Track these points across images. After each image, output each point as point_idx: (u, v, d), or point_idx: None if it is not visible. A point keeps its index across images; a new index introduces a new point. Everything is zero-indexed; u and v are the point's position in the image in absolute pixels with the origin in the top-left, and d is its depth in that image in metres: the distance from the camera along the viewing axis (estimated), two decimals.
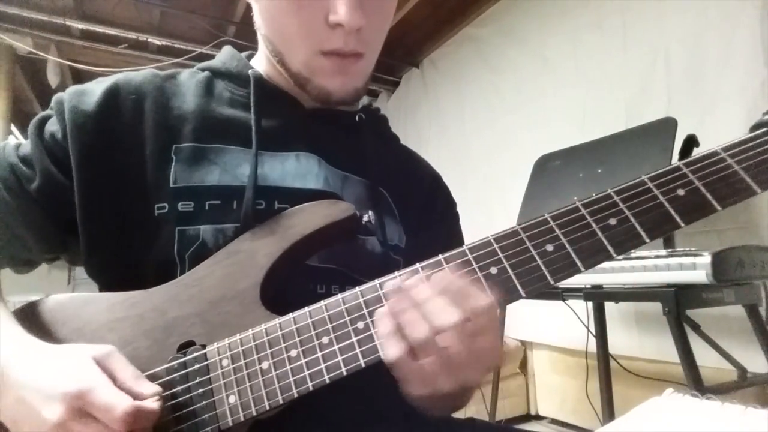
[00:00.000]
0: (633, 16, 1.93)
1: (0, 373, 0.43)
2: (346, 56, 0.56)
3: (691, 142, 1.40)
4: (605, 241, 0.44)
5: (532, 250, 0.45)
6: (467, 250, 0.46)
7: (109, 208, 0.55)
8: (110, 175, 0.55)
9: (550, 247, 0.44)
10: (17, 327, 0.48)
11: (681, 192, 0.44)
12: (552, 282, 0.44)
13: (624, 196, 0.45)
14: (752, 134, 0.46)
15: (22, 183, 0.55)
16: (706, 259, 1.07)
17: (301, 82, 0.59)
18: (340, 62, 0.56)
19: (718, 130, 1.54)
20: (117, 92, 0.58)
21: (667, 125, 1.49)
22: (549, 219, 0.45)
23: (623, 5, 1.96)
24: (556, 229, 0.45)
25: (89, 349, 0.44)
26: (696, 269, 1.08)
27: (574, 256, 0.44)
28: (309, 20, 0.54)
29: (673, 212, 0.44)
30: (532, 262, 0.44)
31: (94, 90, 0.58)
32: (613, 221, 0.44)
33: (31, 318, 0.51)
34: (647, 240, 0.43)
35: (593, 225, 0.44)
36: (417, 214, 0.67)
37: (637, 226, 0.44)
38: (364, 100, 0.70)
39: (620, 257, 1.22)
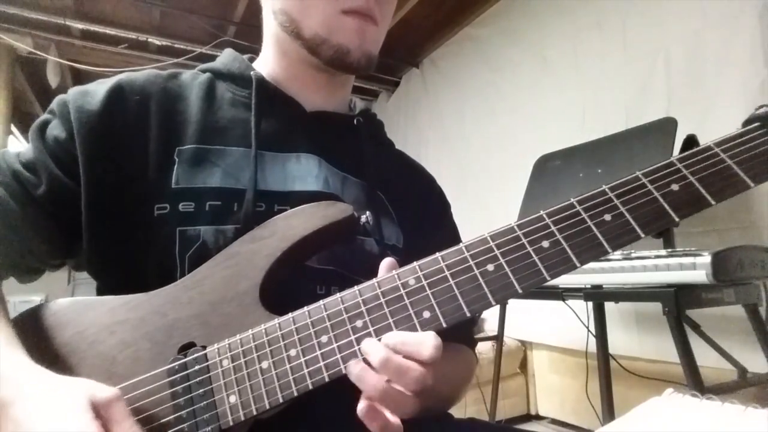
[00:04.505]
0: (633, 16, 1.93)
1: None
2: (366, 16, 0.59)
3: (691, 142, 1.40)
4: (600, 237, 0.44)
5: (527, 246, 0.45)
6: (464, 248, 0.46)
7: (113, 208, 0.55)
8: (114, 175, 0.55)
9: (546, 244, 0.45)
10: (19, 353, 0.46)
11: (675, 187, 0.45)
12: (548, 278, 0.44)
13: (618, 192, 0.45)
14: (744, 129, 0.46)
15: (27, 189, 0.55)
16: (706, 259, 1.07)
17: (316, 46, 0.60)
18: (360, 21, 0.59)
19: (718, 130, 1.52)
20: (121, 92, 0.58)
21: (667, 125, 1.50)
22: (545, 216, 0.46)
23: (623, 5, 1.97)
24: (552, 226, 0.45)
25: (91, 389, 0.41)
26: (696, 269, 1.08)
27: (569, 251, 0.44)
28: None
29: (667, 207, 0.44)
30: (528, 259, 0.44)
31: (98, 90, 0.58)
32: (608, 217, 0.44)
33: (33, 323, 0.50)
34: (642, 235, 0.44)
35: (588, 221, 0.45)
36: (413, 215, 0.68)
37: (632, 221, 0.44)
38: (361, 104, 0.72)
39: (620, 257, 1.22)
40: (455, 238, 0.73)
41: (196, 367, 0.46)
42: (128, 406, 0.44)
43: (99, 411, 0.40)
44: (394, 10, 0.66)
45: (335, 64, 0.60)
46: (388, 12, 0.64)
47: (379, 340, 0.43)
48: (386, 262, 0.48)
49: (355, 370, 0.42)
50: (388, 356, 0.41)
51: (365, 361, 0.43)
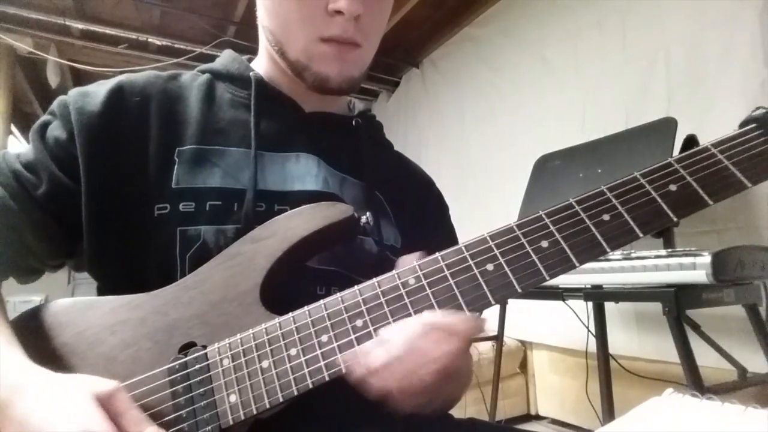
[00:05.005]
0: (633, 16, 1.93)
1: None
2: (344, 43, 0.58)
3: (691, 142, 1.40)
4: (599, 237, 0.44)
5: (527, 246, 0.45)
6: (464, 248, 0.46)
7: (113, 208, 0.55)
8: (115, 175, 0.55)
9: (545, 244, 0.45)
10: (18, 353, 0.46)
11: (673, 187, 0.45)
12: (547, 277, 0.44)
13: (617, 192, 0.46)
14: (741, 130, 0.47)
15: (27, 190, 0.55)
16: (706, 259, 1.07)
17: (299, 71, 0.60)
18: (339, 48, 0.58)
19: (718, 131, 1.52)
20: (121, 93, 0.59)
21: (667, 125, 1.50)
22: (543, 216, 0.46)
23: (623, 5, 1.96)
24: (551, 226, 0.45)
25: (92, 384, 0.42)
26: (696, 269, 1.08)
27: (568, 251, 0.44)
28: (310, 8, 0.56)
29: (665, 207, 0.44)
30: (527, 258, 0.45)
31: (98, 91, 0.58)
32: (606, 217, 0.45)
33: (33, 323, 0.51)
34: (641, 234, 0.44)
35: (587, 221, 0.45)
36: (411, 217, 0.68)
37: (630, 221, 0.44)
38: (360, 105, 0.72)
39: (620, 257, 1.22)
40: (453, 241, 0.73)
41: (197, 367, 0.46)
42: None
43: (103, 404, 0.41)
44: (383, 26, 0.64)
45: (316, 89, 0.61)
46: (374, 30, 0.62)
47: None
48: (413, 256, 0.49)
49: (377, 358, 0.42)
50: (432, 323, 0.42)
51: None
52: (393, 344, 0.43)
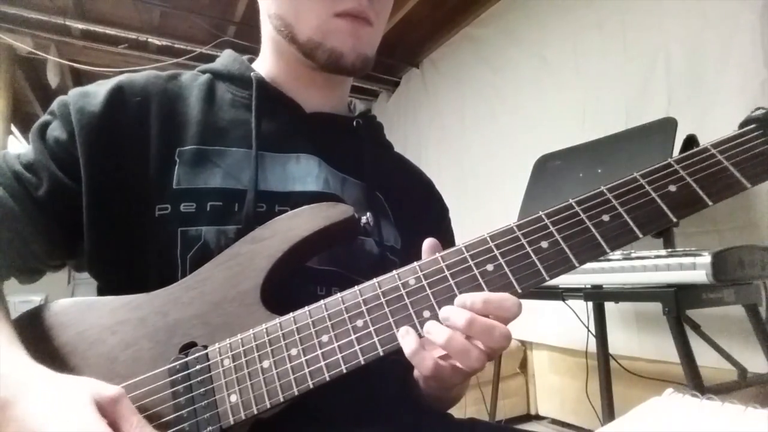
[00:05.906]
0: (633, 16, 1.93)
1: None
2: (359, 18, 0.58)
3: (691, 142, 1.40)
4: (599, 237, 0.45)
5: (527, 246, 0.45)
6: (463, 248, 0.47)
7: (114, 208, 0.55)
8: (115, 175, 0.55)
9: (544, 244, 0.45)
10: (21, 353, 0.46)
11: (672, 188, 0.45)
12: (547, 278, 0.44)
13: (617, 193, 0.46)
14: (741, 130, 0.47)
15: (28, 190, 0.55)
16: (706, 259, 1.07)
17: (310, 50, 0.60)
18: (353, 23, 0.58)
19: (718, 131, 1.52)
20: (121, 93, 0.59)
21: (667, 125, 1.50)
22: (543, 216, 0.46)
23: (623, 5, 1.96)
24: (551, 226, 0.46)
25: (95, 388, 0.42)
26: (696, 269, 1.08)
27: (568, 251, 0.45)
28: None
29: (665, 208, 0.45)
30: (527, 259, 0.45)
31: (98, 91, 0.58)
32: (606, 218, 0.45)
33: (34, 323, 0.51)
34: (640, 235, 0.44)
35: (587, 222, 0.45)
36: (411, 218, 0.68)
37: (630, 221, 0.45)
38: (361, 106, 0.72)
39: (620, 257, 1.22)
40: (452, 244, 0.73)
41: (197, 367, 0.46)
42: None
43: (104, 409, 0.40)
44: (390, 9, 0.65)
45: (330, 68, 0.61)
46: (384, 11, 0.63)
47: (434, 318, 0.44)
48: (429, 243, 0.49)
49: (441, 335, 0.43)
50: (473, 317, 0.42)
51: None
52: (455, 318, 0.43)
